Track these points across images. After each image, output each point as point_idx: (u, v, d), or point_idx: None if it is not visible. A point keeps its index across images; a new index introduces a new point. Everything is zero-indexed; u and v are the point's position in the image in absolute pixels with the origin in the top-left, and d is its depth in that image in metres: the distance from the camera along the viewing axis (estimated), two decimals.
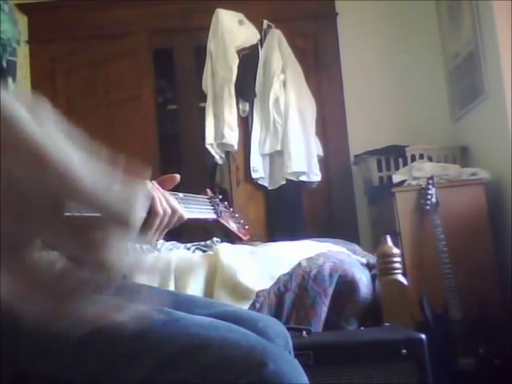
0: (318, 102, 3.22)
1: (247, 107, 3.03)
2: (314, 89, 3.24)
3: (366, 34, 3.53)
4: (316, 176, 3.07)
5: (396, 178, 2.83)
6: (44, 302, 0.37)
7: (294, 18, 3.47)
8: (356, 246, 2.34)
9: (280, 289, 1.80)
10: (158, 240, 0.98)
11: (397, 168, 3.03)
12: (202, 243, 2.28)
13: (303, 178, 3.04)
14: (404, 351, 1.43)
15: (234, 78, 2.93)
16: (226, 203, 1.27)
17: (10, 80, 0.95)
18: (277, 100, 3.00)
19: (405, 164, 3.01)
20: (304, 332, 1.52)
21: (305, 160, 3.00)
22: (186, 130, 3.49)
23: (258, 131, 3.02)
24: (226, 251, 1.89)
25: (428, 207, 2.52)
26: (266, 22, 3.15)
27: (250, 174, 2.98)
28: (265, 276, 1.81)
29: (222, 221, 1.20)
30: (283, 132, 2.99)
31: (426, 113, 3.40)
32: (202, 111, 3.09)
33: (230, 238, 1.31)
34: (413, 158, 3.02)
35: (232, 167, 3.00)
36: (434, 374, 1.45)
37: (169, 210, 0.96)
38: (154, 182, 0.99)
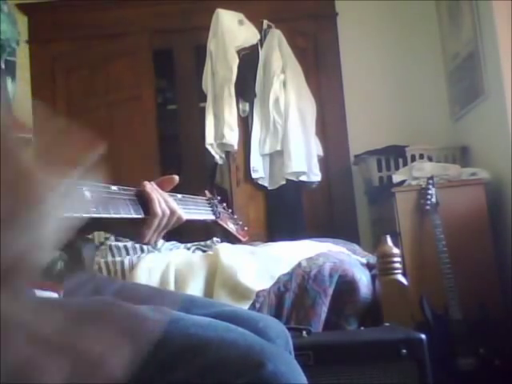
0: (318, 102, 3.22)
1: (247, 107, 3.03)
2: (313, 89, 3.24)
3: (366, 34, 3.53)
4: (316, 176, 3.07)
5: (396, 178, 2.83)
6: None
7: (294, 18, 3.47)
8: (356, 246, 2.35)
9: (280, 289, 1.80)
10: (156, 241, 0.99)
11: (397, 168, 3.03)
12: (202, 243, 2.28)
13: (303, 178, 3.04)
14: (404, 351, 1.43)
15: (234, 78, 2.93)
16: (224, 204, 1.28)
17: (9, 80, 0.95)
18: (277, 100, 3.00)
19: (405, 164, 3.01)
20: (304, 332, 1.52)
21: (305, 160, 3.00)
22: (185, 130, 3.49)
23: (258, 131, 3.02)
24: (226, 251, 1.89)
25: (428, 207, 2.52)
26: (266, 22, 3.15)
27: (250, 174, 2.98)
28: (265, 276, 1.81)
29: (220, 222, 1.20)
30: (283, 132, 2.99)
31: (426, 113, 3.40)
32: (202, 111, 3.09)
33: (229, 238, 1.31)
34: (413, 158, 3.02)
35: (232, 167, 3.00)
36: (434, 374, 1.45)
37: (167, 211, 0.97)
38: (153, 183, 0.99)
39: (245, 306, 1.71)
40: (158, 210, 0.95)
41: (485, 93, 2.80)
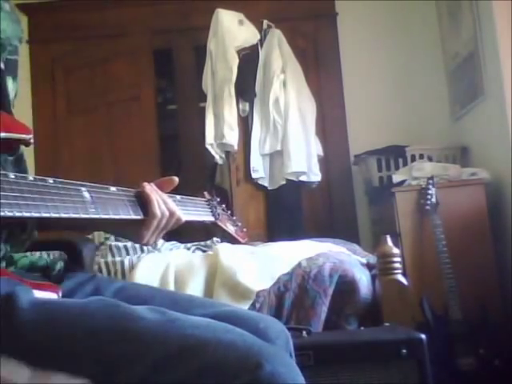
0: (318, 102, 3.22)
1: (247, 107, 3.03)
2: (313, 89, 3.24)
3: (366, 34, 3.53)
4: (316, 176, 3.07)
5: (396, 178, 2.83)
6: None
7: (294, 18, 3.47)
8: (356, 246, 2.35)
9: (280, 289, 1.80)
10: (155, 242, 0.99)
11: (397, 168, 3.03)
12: (202, 243, 2.28)
13: (303, 178, 3.04)
14: (404, 351, 1.43)
15: (234, 78, 2.93)
16: (223, 206, 1.28)
17: (9, 79, 0.94)
18: (277, 100, 3.00)
19: (405, 164, 3.01)
20: (304, 332, 1.52)
21: (305, 160, 3.00)
22: (185, 130, 3.49)
23: (258, 131, 3.02)
24: (225, 251, 1.89)
25: (428, 207, 2.52)
26: (266, 22, 3.14)
27: (250, 174, 2.98)
28: (265, 276, 1.81)
29: (219, 223, 1.20)
30: (283, 132, 2.99)
31: (426, 113, 3.40)
32: (202, 111, 3.09)
33: (229, 240, 1.32)
34: (413, 158, 3.02)
35: (232, 167, 3.00)
36: (434, 374, 1.45)
37: (167, 213, 0.97)
38: (153, 184, 1.00)
39: (245, 306, 1.71)
40: (157, 212, 0.95)
41: (485, 93, 2.80)
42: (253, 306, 1.74)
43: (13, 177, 0.70)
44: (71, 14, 3.55)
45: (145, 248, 2.06)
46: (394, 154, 3.08)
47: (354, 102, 3.48)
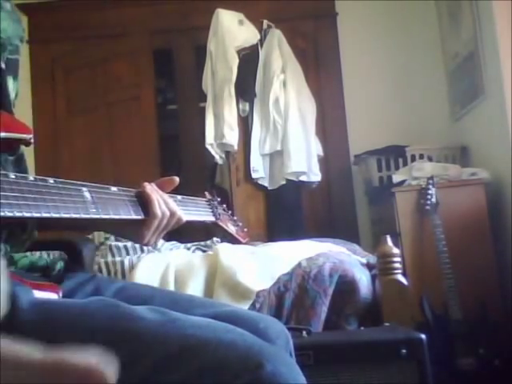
0: (318, 102, 3.22)
1: (247, 107, 3.03)
2: (313, 89, 3.24)
3: (365, 34, 3.53)
4: (316, 176, 3.07)
5: (396, 178, 2.83)
6: None
7: (294, 18, 3.47)
8: (356, 246, 2.35)
9: (280, 289, 1.80)
10: (156, 242, 0.99)
11: (397, 168, 3.03)
12: (202, 243, 2.28)
13: (303, 178, 3.04)
14: (404, 351, 1.43)
15: (234, 78, 2.93)
16: (224, 206, 1.28)
17: (10, 79, 0.94)
18: (277, 100, 3.00)
19: (405, 164, 3.01)
20: (304, 332, 1.52)
21: (305, 160, 3.00)
22: (185, 130, 3.49)
23: (258, 131, 3.02)
24: (225, 251, 1.89)
25: (428, 207, 2.52)
26: (266, 22, 3.14)
27: (250, 174, 2.98)
28: (265, 276, 1.81)
29: (220, 223, 1.20)
30: (283, 132, 2.99)
31: (426, 113, 3.40)
32: (202, 111, 3.09)
33: (230, 240, 1.32)
34: (413, 158, 3.02)
35: (232, 167, 3.00)
36: (434, 374, 1.45)
37: (167, 213, 0.97)
38: (153, 184, 0.99)
39: (245, 306, 1.71)
40: (158, 212, 0.95)
41: (485, 93, 2.80)
42: (253, 306, 1.74)
43: (13, 177, 0.70)
44: (71, 14, 3.55)
45: (145, 248, 2.06)
46: (394, 154, 3.08)
47: (354, 102, 3.48)
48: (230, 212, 1.30)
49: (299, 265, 1.85)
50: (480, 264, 2.54)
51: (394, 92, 3.48)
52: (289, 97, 3.02)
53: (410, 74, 3.47)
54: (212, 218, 1.18)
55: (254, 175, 2.98)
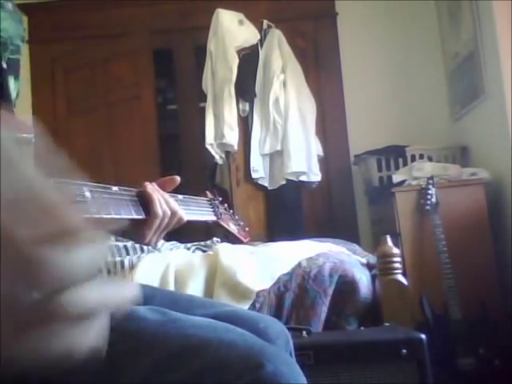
0: (318, 102, 3.22)
1: (247, 107, 3.03)
2: (313, 89, 3.24)
3: (366, 34, 3.53)
4: (316, 176, 3.07)
5: (396, 178, 2.83)
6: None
7: (294, 18, 3.47)
8: (356, 246, 2.34)
9: (280, 289, 1.80)
10: (157, 241, 0.99)
11: (397, 168, 3.03)
12: (202, 243, 2.28)
13: (303, 178, 3.04)
14: (404, 351, 1.43)
15: (234, 78, 2.93)
16: (225, 205, 1.28)
17: (11, 79, 0.94)
18: (277, 100, 3.00)
19: (405, 164, 3.01)
20: (304, 332, 1.52)
21: (305, 160, 3.00)
22: (185, 130, 3.49)
23: (258, 131, 3.02)
24: (225, 251, 1.89)
25: (428, 207, 2.52)
26: (266, 22, 3.15)
27: (250, 174, 2.98)
28: (265, 276, 1.81)
29: (221, 223, 1.20)
30: (283, 132, 2.99)
31: (426, 113, 3.40)
32: (202, 111, 3.09)
33: (231, 239, 1.32)
34: (413, 158, 3.02)
35: (232, 167, 3.00)
36: (434, 374, 1.45)
37: (168, 212, 0.97)
38: (154, 183, 0.99)
39: (245, 306, 1.71)
40: (159, 211, 0.95)
41: (485, 93, 2.80)
42: (253, 306, 1.74)
43: None
44: (71, 14, 3.55)
45: (145, 248, 2.06)
46: (394, 154, 3.08)
47: (354, 102, 3.48)
48: (230, 211, 1.30)
49: (299, 265, 1.84)
50: (480, 264, 2.54)
51: (394, 92, 3.48)
52: (289, 97, 3.02)
53: (410, 73, 3.47)
54: (213, 218, 1.18)
55: (253, 175, 2.98)
